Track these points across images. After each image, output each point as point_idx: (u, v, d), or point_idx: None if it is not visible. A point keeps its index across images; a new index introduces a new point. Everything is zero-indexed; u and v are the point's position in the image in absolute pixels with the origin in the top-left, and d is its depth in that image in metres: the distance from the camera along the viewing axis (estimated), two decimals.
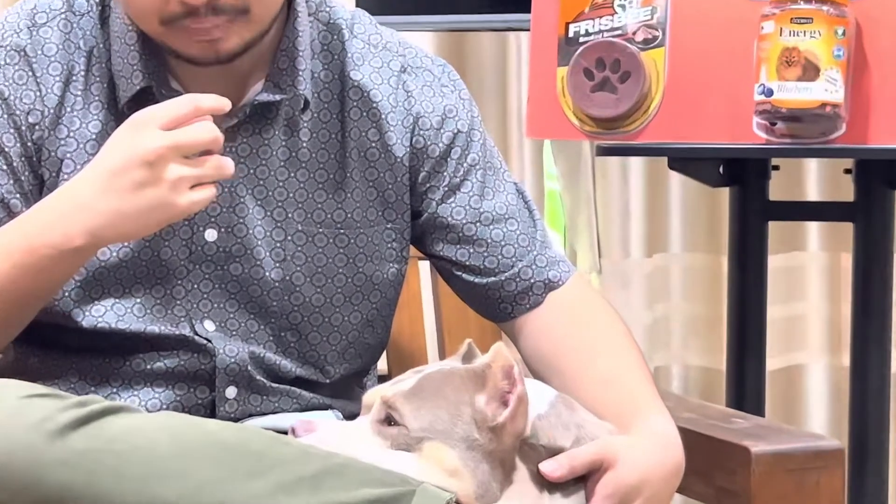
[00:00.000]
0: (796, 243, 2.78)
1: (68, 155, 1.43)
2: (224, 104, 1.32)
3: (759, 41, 1.86)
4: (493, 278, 1.52)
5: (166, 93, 1.43)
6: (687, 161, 2.01)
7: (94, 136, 1.43)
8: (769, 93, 1.83)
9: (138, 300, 1.44)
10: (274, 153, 1.47)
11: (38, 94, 1.43)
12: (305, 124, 1.48)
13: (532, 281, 1.52)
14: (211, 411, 1.45)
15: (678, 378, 2.83)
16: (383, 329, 1.56)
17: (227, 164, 1.32)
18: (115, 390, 1.44)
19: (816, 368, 2.81)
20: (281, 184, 1.47)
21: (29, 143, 1.43)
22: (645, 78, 1.92)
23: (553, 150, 2.30)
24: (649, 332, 2.79)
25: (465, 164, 1.52)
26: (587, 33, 1.95)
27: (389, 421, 1.27)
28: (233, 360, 1.45)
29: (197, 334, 1.45)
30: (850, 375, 2.08)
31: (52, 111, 1.43)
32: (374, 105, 1.49)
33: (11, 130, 1.42)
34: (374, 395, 1.30)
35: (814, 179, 2.75)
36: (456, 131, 1.52)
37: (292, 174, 1.48)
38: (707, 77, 1.91)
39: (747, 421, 1.53)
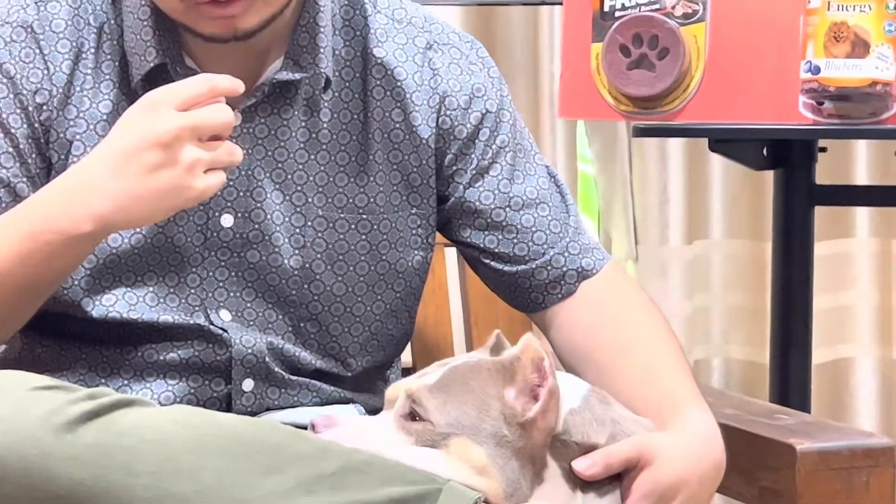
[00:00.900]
0: (844, 230, 2.78)
1: (77, 136, 1.43)
2: (239, 86, 1.32)
3: (806, 16, 1.85)
4: (523, 266, 1.52)
5: (181, 70, 1.43)
6: (729, 142, 2.02)
7: (104, 117, 1.44)
8: (816, 70, 1.83)
9: (151, 289, 1.44)
10: (293, 134, 1.47)
11: (45, 72, 1.43)
12: (326, 104, 1.48)
13: (564, 269, 1.52)
14: (227, 405, 1.46)
15: (719, 372, 2.83)
16: (408, 319, 1.56)
17: (237, 150, 1.32)
18: (126, 382, 1.45)
19: (865, 362, 2.80)
20: (300, 167, 1.48)
21: (36, 125, 1.43)
22: (684, 54, 1.92)
23: (587, 130, 2.30)
24: (689, 324, 2.79)
25: (493, 146, 1.53)
26: (623, 7, 1.95)
27: (414, 416, 1.27)
28: (250, 350, 1.46)
29: (212, 324, 1.45)
30: None
31: (60, 90, 1.43)
32: (399, 84, 1.50)
33: (18, 111, 1.42)
34: (397, 389, 1.30)
35: (863, 162, 2.75)
36: (484, 111, 1.52)
37: (312, 156, 1.48)
38: (750, 54, 1.91)
39: (792, 417, 1.53)
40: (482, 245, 1.53)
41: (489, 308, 1.77)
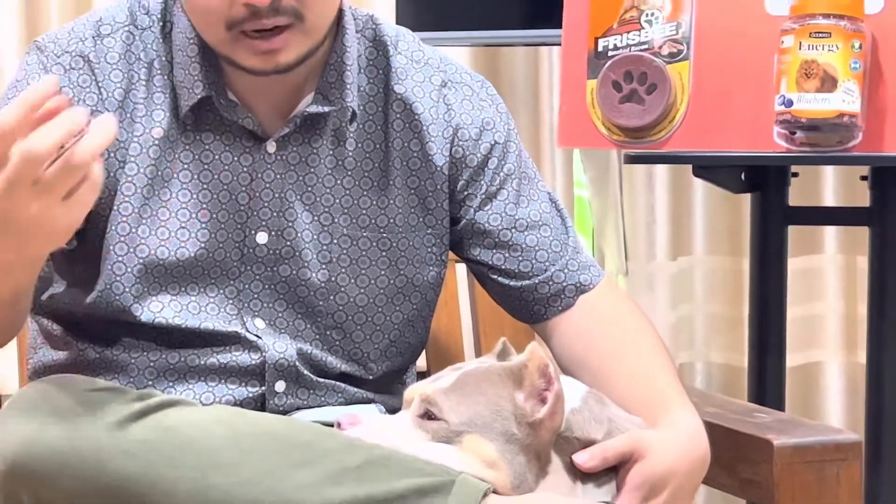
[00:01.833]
0: (815, 246, 2.77)
1: (131, 158, 1.43)
2: (51, 85, 1.14)
3: (780, 55, 1.85)
4: (527, 281, 1.52)
5: (224, 102, 1.44)
6: (710, 168, 2.01)
7: (156, 142, 1.43)
8: (789, 103, 1.83)
9: (193, 298, 1.44)
10: (322, 161, 1.47)
11: (99, 97, 1.43)
12: (352, 134, 1.48)
13: (564, 284, 1.52)
14: (261, 405, 1.45)
15: (702, 374, 2.82)
16: (423, 328, 1.55)
17: (76, 119, 1.14)
18: (170, 384, 1.44)
19: (834, 365, 2.79)
20: (328, 190, 1.47)
21: None
22: (670, 90, 1.91)
23: (583, 158, 2.30)
24: (674, 331, 2.78)
25: (501, 174, 1.53)
26: (615, 47, 1.94)
27: (429, 416, 1.27)
28: (282, 355, 1.45)
29: (248, 331, 1.45)
30: (865, 372, 2.07)
31: (111, 115, 1.43)
32: (417, 117, 1.50)
33: None
34: (413, 392, 1.30)
35: (831, 186, 2.74)
36: (493, 142, 1.52)
37: (339, 181, 1.48)
38: (729, 89, 1.91)
39: (769, 415, 1.52)
40: (490, 262, 1.52)
41: (496, 318, 1.77)
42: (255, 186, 1.44)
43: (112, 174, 1.43)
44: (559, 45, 2.00)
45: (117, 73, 1.44)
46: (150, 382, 1.44)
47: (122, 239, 1.42)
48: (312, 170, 1.47)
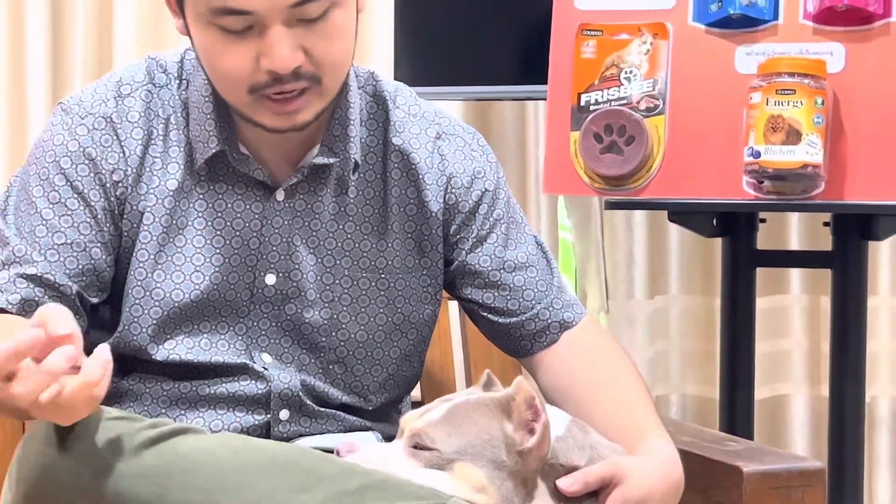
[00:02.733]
0: (781, 287, 2.77)
1: (148, 209, 1.43)
2: (39, 337, 1.10)
3: (748, 110, 1.86)
4: (514, 319, 1.52)
5: (237, 156, 1.44)
6: (684, 214, 2.01)
7: (171, 193, 1.44)
8: (757, 155, 1.83)
9: (205, 335, 1.44)
10: (326, 208, 1.47)
11: (121, 155, 1.43)
12: (353, 183, 1.48)
13: (549, 321, 1.52)
14: (266, 432, 1.45)
15: (676, 406, 2.81)
16: (418, 362, 1.55)
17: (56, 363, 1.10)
18: (182, 412, 1.44)
19: (799, 398, 2.78)
20: (331, 234, 1.47)
21: (112, 199, 1.43)
22: (648, 141, 1.92)
23: (566, 204, 2.30)
24: (651, 365, 2.77)
25: (491, 219, 1.53)
26: (597, 102, 1.95)
27: (420, 446, 1.26)
28: (286, 386, 1.45)
29: (256, 364, 1.45)
30: (829, 404, 2.07)
31: (134, 170, 1.43)
32: (413, 166, 1.50)
33: (97, 187, 1.42)
34: (405, 423, 1.29)
35: (796, 231, 2.74)
36: (484, 190, 1.53)
37: (341, 226, 1.48)
38: (702, 141, 1.91)
39: (739, 444, 1.52)
40: (481, 301, 1.52)
41: (485, 353, 1.76)
42: (264, 232, 1.44)
43: (133, 225, 1.43)
44: (545, 99, 2.01)
45: (138, 130, 1.44)
46: (163, 411, 1.44)
47: (140, 283, 1.42)
48: (317, 216, 1.47)
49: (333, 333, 1.47)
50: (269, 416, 1.45)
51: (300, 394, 1.45)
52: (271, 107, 1.36)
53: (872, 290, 2.64)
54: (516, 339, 1.52)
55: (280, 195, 1.45)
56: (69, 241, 1.40)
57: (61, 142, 1.43)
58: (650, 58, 1.93)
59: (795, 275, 2.76)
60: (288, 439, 1.45)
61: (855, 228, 2.00)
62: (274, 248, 1.45)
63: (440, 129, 1.53)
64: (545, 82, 1.99)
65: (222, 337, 1.44)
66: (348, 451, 1.28)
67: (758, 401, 2.22)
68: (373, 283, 1.49)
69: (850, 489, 2.03)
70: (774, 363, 2.77)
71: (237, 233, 1.44)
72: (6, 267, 1.39)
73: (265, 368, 1.45)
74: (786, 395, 2.79)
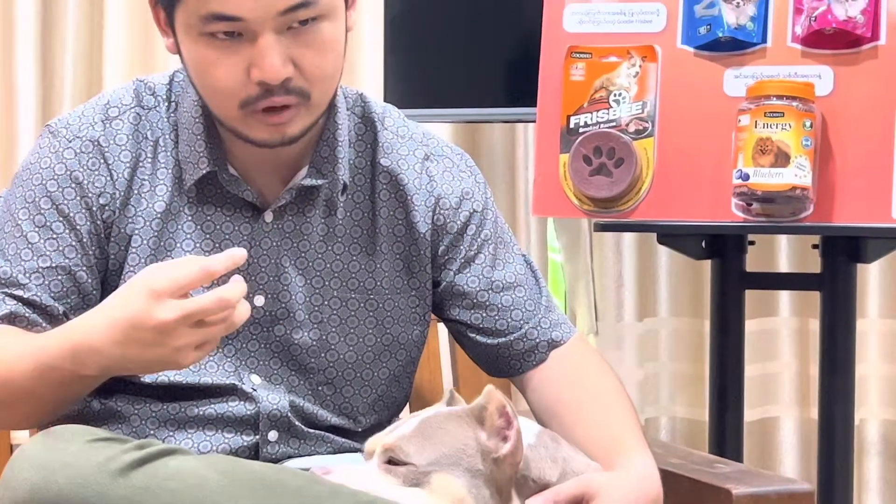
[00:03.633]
0: (770, 309, 2.77)
1: (136, 231, 1.43)
2: (239, 259, 1.26)
3: (737, 132, 1.87)
4: (503, 339, 1.52)
5: (226, 177, 1.44)
6: (673, 236, 2.01)
7: (158, 215, 1.44)
8: (746, 177, 1.84)
9: None
10: (314, 229, 1.47)
11: (109, 178, 1.43)
12: (342, 204, 1.48)
13: (537, 341, 1.52)
14: (255, 453, 1.44)
15: (666, 428, 2.81)
16: (408, 384, 1.55)
17: (241, 314, 1.26)
18: (171, 434, 1.44)
19: (788, 420, 2.79)
20: (320, 256, 1.47)
21: (99, 222, 1.43)
22: (636, 164, 1.92)
23: (556, 226, 2.31)
24: (640, 388, 2.78)
25: (479, 239, 1.53)
26: (586, 125, 1.96)
27: (394, 462, 1.26)
28: (274, 407, 1.45)
29: (244, 385, 1.45)
30: (818, 426, 2.07)
31: (121, 193, 1.43)
32: (402, 188, 1.50)
33: (84, 211, 1.42)
34: (374, 443, 1.30)
35: (785, 253, 2.75)
36: (472, 211, 1.53)
37: (329, 247, 1.48)
38: (691, 163, 1.92)
39: (728, 466, 1.52)
40: (469, 321, 1.52)
41: (474, 374, 1.75)
42: (253, 253, 1.44)
43: (121, 248, 1.43)
44: (534, 121, 2.01)
45: (126, 153, 1.44)
46: (152, 432, 1.43)
47: None
48: (306, 237, 1.47)
49: (322, 355, 1.47)
50: (257, 437, 1.45)
51: (289, 415, 1.45)
52: (261, 119, 1.37)
53: (861, 312, 2.65)
54: (505, 358, 1.53)
55: (269, 216, 1.45)
56: (54, 265, 1.40)
57: (48, 165, 1.43)
58: (639, 80, 1.94)
59: (784, 297, 2.77)
60: (277, 461, 1.44)
61: (844, 251, 2.01)
62: (263, 270, 1.45)
63: (428, 151, 1.53)
64: (534, 104, 1.99)
65: (211, 358, 1.44)
66: (322, 472, 1.27)
67: (747, 423, 2.22)
68: (362, 304, 1.49)
69: None
70: (764, 385, 2.78)
71: None
72: None
73: (254, 389, 1.45)
74: (775, 417, 2.80)
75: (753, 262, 2.14)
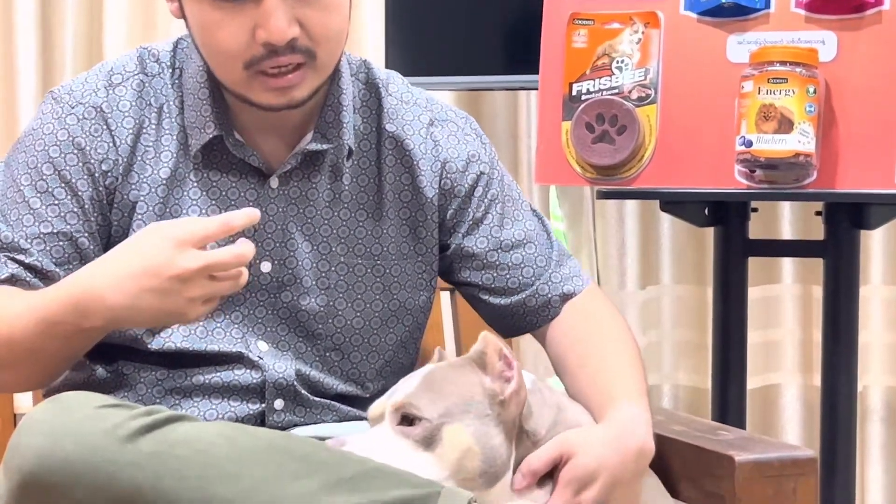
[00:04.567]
0: (773, 276, 2.78)
1: (141, 198, 1.44)
2: (255, 217, 1.29)
3: (740, 99, 1.87)
4: (515, 297, 1.53)
5: (232, 141, 1.44)
6: (676, 204, 2.02)
7: (164, 182, 1.44)
8: (749, 144, 1.84)
9: (201, 323, 1.44)
10: (320, 195, 1.48)
11: (111, 145, 1.44)
12: (347, 170, 1.49)
13: (549, 296, 1.53)
14: (261, 421, 1.45)
15: (668, 396, 2.82)
16: (414, 349, 1.56)
17: (245, 276, 1.29)
18: (177, 401, 1.44)
19: (791, 387, 2.80)
20: (326, 222, 1.48)
21: (101, 189, 1.43)
22: (639, 131, 1.93)
23: (558, 194, 2.31)
24: (643, 355, 2.76)
25: (486, 200, 1.54)
26: (588, 92, 1.96)
27: (406, 421, 1.28)
28: (281, 375, 1.46)
29: (251, 353, 1.45)
30: (820, 393, 2.08)
31: (124, 160, 1.44)
32: (407, 153, 1.51)
33: (86, 177, 1.43)
34: (379, 407, 1.31)
35: (788, 220, 2.75)
36: (479, 173, 1.54)
37: (336, 213, 1.49)
38: (694, 130, 1.92)
39: (731, 433, 1.52)
40: (480, 282, 1.53)
41: (475, 340, 1.77)
42: (259, 219, 1.45)
43: (124, 215, 1.44)
44: (536, 89, 2.01)
45: (129, 120, 1.44)
46: (158, 399, 1.44)
47: None
48: (312, 203, 1.48)
49: (330, 321, 1.48)
50: (263, 405, 1.45)
51: (295, 383, 1.46)
52: (266, 82, 1.37)
53: (864, 279, 2.66)
54: (520, 316, 1.53)
55: (274, 182, 1.46)
56: (56, 231, 1.41)
57: (51, 131, 1.43)
58: (642, 47, 1.94)
59: (787, 264, 2.77)
60: (283, 429, 1.45)
61: (847, 217, 2.02)
62: (269, 236, 1.46)
63: (433, 116, 1.54)
64: (537, 72, 1.99)
65: (218, 325, 1.45)
66: (337, 445, 1.28)
67: (750, 390, 2.23)
68: (368, 270, 1.50)
69: (841, 478, 2.04)
70: (766, 353, 2.78)
71: None
72: None
73: (260, 357, 1.45)
74: (778, 384, 2.80)
75: (756, 229, 2.14)
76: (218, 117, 1.43)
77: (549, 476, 1.32)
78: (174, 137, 1.45)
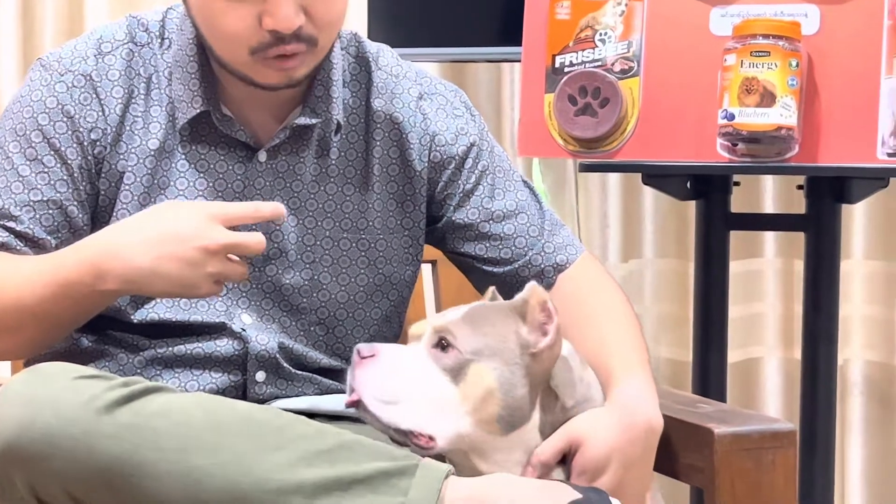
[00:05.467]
0: (755, 250, 2.78)
1: (129, 168, 1.44)
2: (282, 212, 1.34)
3: (723, 72, 1.87)
4: (508, 267, 1.53)
5: (220, 116, 1.44)
6: (659, 177, 2.02)
7: (152, 152, 1.44)
8: (731, 117, 1.84)
9: None
10: (307, 169, 1.48)
11: (101, 113, 1.44)
12: (335, 144, 1.49)
13: (542, 266, 1.53)
14: (242, 393, 1.46)
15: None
16: (398, 324, 1.57)
17: (246, 271, 1.33)
18: (158, 372, 1.45)
19: (772, 360, 2.80)
20: (312, 196, 1.48)
21: (90, 157, 1.43)
22: (622, 104, 1.93)
23: (541, 167, 2.31)
24: None
25: (476, 171, 1.54)
26: (571, 64, 1.96)
27: (441, 346, 1.29)
28: (263, 347, 1.46)
29: (234, 324, 1.46)
30: (801, 367, 2.09)
31: (113, 129, 1.44)
32: (396, 127, 1.51)
33: (74, 145, 1.43)
34: (422, 327, 1.32)
35: (770, 194, 2.75)
36: (469, 145, 1.54)
37: (322, 187, 1.49)
38: (676, 103, 1.92)
39: (711, 406, 1.52)
40: (474, 253, 1.54)
41: None
42: (246, 193, 1.45)
43: (112, 184, 1.43)
44: (519, 61, 2.01)
45: (118, 89, 1.44)
46: (139, 370, 1.44)
47: None
48: (299, 177, 1.48)
49: (314, 294, 1.49)
50: (244, 377, 1.46)
51: (277, 356, 1.46)
52: (270, 64, 1.37)
53: (846, 253, 2.66)
54: (514, 286, 1.52)
55: (262, 156, 1.46)
56: (45, 199, 1.41)
57: (39, 98, 1.43)
58: (625, 19, 1.94)
59: (769, 238, 2.77)
60: (264, 401, 1.46)
61: (828, 191, 2.02)
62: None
63: (422, 90, 1.54)
64: (520, 44, 1.99)
65: (203, 297, 1.44)
66: (369, 351, 1.29)
67: (731, 363, 2.23)
68: (354, 244, 1.50)
69: (821, 451, 2.05)
70: (748, 326, 2.79)
71: (219, 193, 1.45)
72: None
73: (243, 329, 1.46)
74: (759, 357, 2.81)
75: (738, 202, 2.14)
76: (206, 92, 1.44)
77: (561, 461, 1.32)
78: (163, 109, 1.45)
